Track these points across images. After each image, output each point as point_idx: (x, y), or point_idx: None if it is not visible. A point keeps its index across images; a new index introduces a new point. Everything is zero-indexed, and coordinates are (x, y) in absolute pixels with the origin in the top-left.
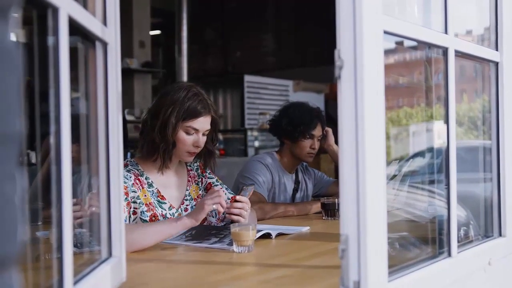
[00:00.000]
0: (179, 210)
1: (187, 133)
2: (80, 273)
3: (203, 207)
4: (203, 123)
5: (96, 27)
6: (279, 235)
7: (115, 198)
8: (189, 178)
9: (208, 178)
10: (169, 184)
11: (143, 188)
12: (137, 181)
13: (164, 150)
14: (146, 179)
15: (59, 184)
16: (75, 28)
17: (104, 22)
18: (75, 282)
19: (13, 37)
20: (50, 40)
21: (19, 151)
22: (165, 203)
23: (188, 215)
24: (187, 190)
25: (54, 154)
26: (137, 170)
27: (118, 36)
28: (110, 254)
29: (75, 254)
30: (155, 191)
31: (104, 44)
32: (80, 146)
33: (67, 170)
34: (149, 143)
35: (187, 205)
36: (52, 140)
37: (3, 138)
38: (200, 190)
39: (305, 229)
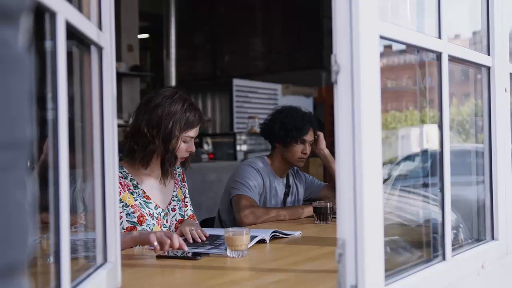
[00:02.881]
0: (166, 210)
1: (184, 142)
2: (75, 278)
3: (148, 238)
4: (197, 130)
5: (91, 32)
6: (273, 238)
7: (110, 203)
8: (175, 181)
9: (186, 188)
10: (155, 186)
11: (125, 191)
12: (120, 184)
13: (170, 162)
14: (131, 181)
15: (56, 190)
16: (71, 33)
17: (100, 27)
18: None
19: (23, 43)
20: (47, 44)
21: (29, 158)
22: (151, 202)
23: (141, 234)
24: (174, 191)
25: (51, 159)
26: (121, 173)
27: (113, 41)
28: (105, 259)
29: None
30: (141, 192)
31: (100, 49)
32: (75, 150)
33: (64, 175)
34: (150, 154)
35: (174, 205)
36: (49, 144)
37: (14, 145)
38: (182, 195)
39: (297, 233)
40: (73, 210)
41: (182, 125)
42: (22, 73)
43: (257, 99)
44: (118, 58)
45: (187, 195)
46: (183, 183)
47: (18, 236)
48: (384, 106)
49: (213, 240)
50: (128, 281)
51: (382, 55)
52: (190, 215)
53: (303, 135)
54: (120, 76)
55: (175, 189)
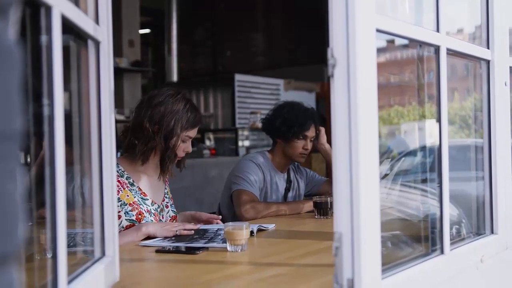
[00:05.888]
0: (161, 206)
1: (183, 141)
2: (73, 272)
3: (167, 232)
4: (196, 131)
5: (88, 26)
6: (259, 231)
7: (108, 198)
8: (166, 179)
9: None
10: (149, 183)
11: (124, 189)
12: (118, 182)
13: (170, 159)
14: (126, 179)
15: (52, 184)
16: (68, 27)
17: (97, 21)
18: (69, 281)
19: (12, 36)
20: (43, 38)
21: (19, 149)
22: (148, 199)
23: (148, 226)
24: (165, 189)
25: (47, 155)
26: (117, 171)
27: (110, 35)
28: (103, 253)
29: (67, 253)
30: (137, 189)
31: (97, 43)
32: (72, 146)
33: (60, 170)
34: (150, 150)
35: (167, 202)
36: (45, 140)
37: (5, 136)
38: (170, 193)
39: (272, 226)
40: (74, 206)
41: (183, 124)
42: (11, 65)
43: (259, 94)
44: (119, 53)
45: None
46: (167, 185)
47: (8, 226)
48: (388, 101)
49: (203, 234)
50: (126, 275)
51: (385, 49)
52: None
53: (304, 131)
54: (121, 71)
55: (166, 186)
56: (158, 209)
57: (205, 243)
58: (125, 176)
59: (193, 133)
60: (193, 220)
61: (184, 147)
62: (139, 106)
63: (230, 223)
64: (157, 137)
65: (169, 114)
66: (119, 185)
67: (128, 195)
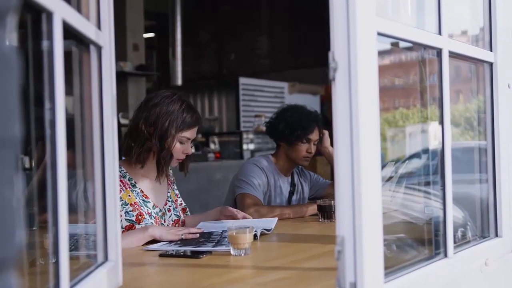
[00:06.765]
0: (163, 210)
1: (180, 142)
2: (76, 277)
3: (173, 236)
4: (195, 132)
5: (90, 31)
6: (262, 234)
7: (111, 202)
8: (169, 182)
9: (176, 189)
10: (151, 186)
11: (126, 189)
12: (120, 182)
13: (165, 160)
14: (129, 180)
15: (54, 188)
16: (69, 32)
17: (98, 26)
18: (72, 286)
19: (10, 42)
20: (44, 44)
21: (18, 155)
22: (149, 202)
23: (154, 229)
24: (168, 192)
25: (49, 159)
26: (120, 172)
27: (112, 40)
28: (106, 258)
29: (70, 258)
30: (139, 191)
31: (99, 48)
32: (75, 151)
33: (62, 175)
34: (146, 152)
35: (169, 206)
36: (47, 144)
37: (2, 142)
38: (175, 196)
39: (274, 220)
40: (77, 211)
41: (178, 125)
42: (9, 71)
43: (263, 97)
44: (124, 57)
45: (178, 193)
46: (174, 185)
47: (7, 232)
48: (392, 103)
49: (208, 238)
50: (129, 280)
51: (389, 52)
52: (183, 209)
53: (308, 134)
54: (125, 75)
55: (169, 190)
56: (160, 213)
57: (213, 246)
58: (128, 177)
59: (190, 134)
60: (222, 214)
61: (183, 149)
62: (137, 109)
63: (233, 226)
64: (152, 138)
65: (164, 115)
66: (121, 185)
67: (129, 195)
